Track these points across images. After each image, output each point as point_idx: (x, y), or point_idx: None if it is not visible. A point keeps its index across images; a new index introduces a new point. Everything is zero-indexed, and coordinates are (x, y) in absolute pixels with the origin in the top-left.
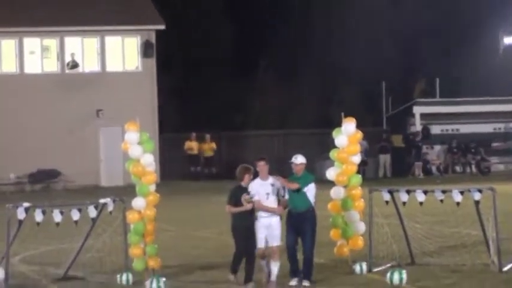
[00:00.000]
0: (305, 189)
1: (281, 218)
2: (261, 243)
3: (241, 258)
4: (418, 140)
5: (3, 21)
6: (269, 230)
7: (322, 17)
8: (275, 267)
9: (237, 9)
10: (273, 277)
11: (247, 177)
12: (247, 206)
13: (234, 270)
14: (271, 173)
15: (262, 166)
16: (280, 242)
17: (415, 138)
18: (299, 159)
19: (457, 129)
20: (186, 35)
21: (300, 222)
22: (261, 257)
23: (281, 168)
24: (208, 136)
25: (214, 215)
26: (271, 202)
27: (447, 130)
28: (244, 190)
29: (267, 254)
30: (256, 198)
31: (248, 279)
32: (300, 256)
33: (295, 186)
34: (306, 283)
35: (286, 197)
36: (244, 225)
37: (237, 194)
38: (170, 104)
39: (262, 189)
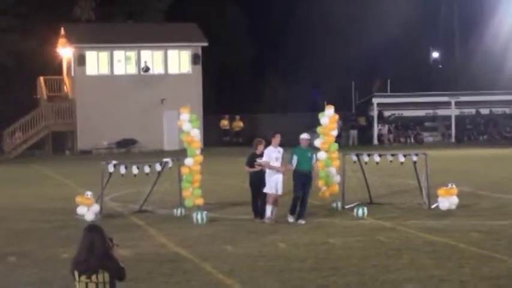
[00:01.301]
0: (312, 156)
1: (284, 175)
2: (271, 190)
3: (257, 201)
4: (390, 120)
5: (100, 41)
6: (275, 183)
7: (315, 39)
8: (275, 210)
9: (256, 32)
10: (273, 216)
11: (260, 147)
12: (257, 168)
13: (257, 213)
14: (280, 143)
15: (277, 137)
16: (281, 191)
17: (389, 119)
18: (306, 136)
19: (401, 114)
20: (221, 49)
21: (307, 179)
22: (272, 200)
23: (285, 140)
24: (238, 117)
25: (238, 170)
26: (278, 163)
27: (394, 114)
28: (257, 156)
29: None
30: (266, 160)
31: (261, 213)
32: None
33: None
34: (302, 221)
35: (294, 163)
36: (257, 179)
37: (252, 159)
38: (210, 95)
39: (274, 154)
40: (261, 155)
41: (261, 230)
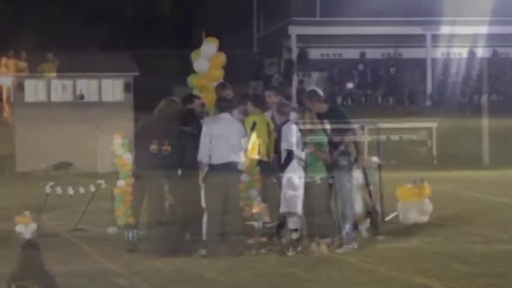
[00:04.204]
0: None
1: None
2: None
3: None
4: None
5: (37, 70)
6: None
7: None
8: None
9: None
10: None
11: None
12: None
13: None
14: None
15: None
16: None
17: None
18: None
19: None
20: (151, 77)
21: None
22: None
23: None
24: (166, 141)
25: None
26: None
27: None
28: None
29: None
30: None
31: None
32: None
33: None
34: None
35: None
36: None
37: None
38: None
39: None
40: None
41: (186, 246)
